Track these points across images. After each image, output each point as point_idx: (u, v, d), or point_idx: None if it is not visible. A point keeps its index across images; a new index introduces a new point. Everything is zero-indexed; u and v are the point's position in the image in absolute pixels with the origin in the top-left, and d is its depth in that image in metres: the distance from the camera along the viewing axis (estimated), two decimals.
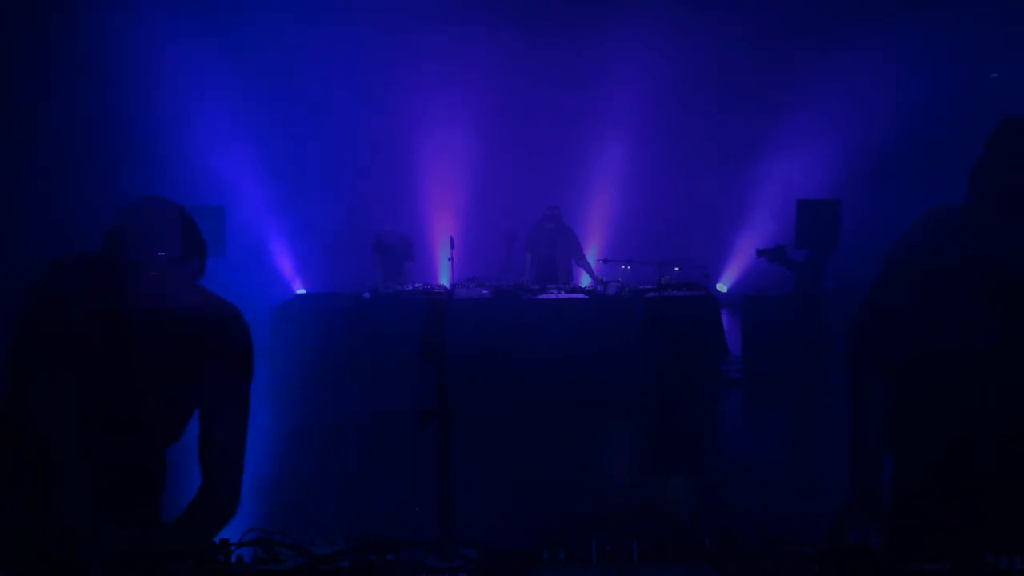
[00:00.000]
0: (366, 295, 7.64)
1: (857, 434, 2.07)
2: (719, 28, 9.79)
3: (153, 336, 1.86)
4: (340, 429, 6.24)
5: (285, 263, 10.30)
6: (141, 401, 1.87)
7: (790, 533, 1.68)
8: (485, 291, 7.70)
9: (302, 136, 9.94)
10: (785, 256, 7.90)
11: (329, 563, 1.66)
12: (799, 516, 2.01)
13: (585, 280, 8.54)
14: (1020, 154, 1.97)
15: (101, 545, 1.65)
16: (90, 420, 1.82)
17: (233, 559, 1.70)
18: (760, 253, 8.07)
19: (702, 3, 9.76)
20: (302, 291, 9.49)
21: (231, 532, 1.81)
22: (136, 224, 1.87)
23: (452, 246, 8.11)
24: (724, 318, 7.83)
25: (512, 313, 7.46)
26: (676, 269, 8.02)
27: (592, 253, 9.10)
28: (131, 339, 1.84)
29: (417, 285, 7.96)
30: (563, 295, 7.74)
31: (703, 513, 1.69)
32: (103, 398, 1.84)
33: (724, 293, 10.74)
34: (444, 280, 9.45)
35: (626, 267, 8.07)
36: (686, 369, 7.38)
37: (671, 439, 6.17)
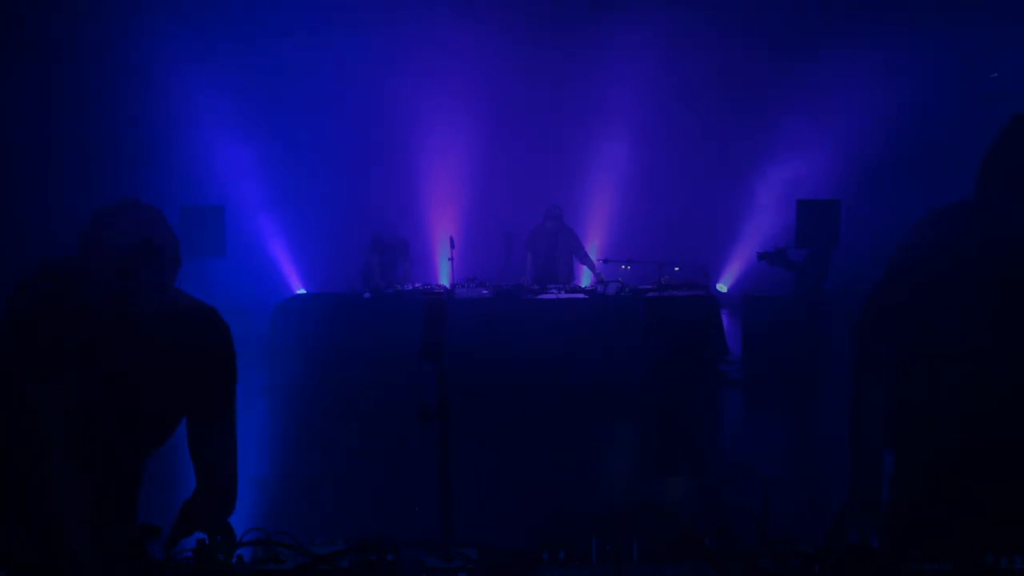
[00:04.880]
0: (366, 295, 7.64)
1: (857, 433, 2.06)
2: (720, 28, 9.79)
3: (133, 340, 1.84)
4: (340, 429, 6.23)
5: (285, 263, 10.30)
6: (125, 406, 1.84)
7: (790, 533, 1.68)
8: (485, 291, 7.69)
9: (302, 136, 9.94)
10: (785, 259, 7.88)
11: (329, 563, 1.66)
12: (799, 516, 2.01)
13: (587, 278, 8.54)
14: None
15: (93, 547, 1.65)
16: (74, 425, 1.78)
17: (233, 559, 1.71)
18: (761, 257, 8.06)
19: (703, 3, 9.76)
20: (302, 291, 9.49)
21: None
22: (113, 227, 1.83)
23: (452, 246, 8.09)
24: (724, 318, 7.83)
25: (512, 313, 7.45)
26: (676, 269, 8.02)
27: (592, 253, 9.09)
28: (111, 344, 1.81)
29: (417, 285, 7.95)
30: (563, 295, 7.73)
31: (703, 513, 1.70)
32: (86, 403, 1.80)
33: (724, 293, 10.73)
34: (444, 280, 9.44)
35: (626, 267, 8.06)
36: (686, 369, 7.38)
37: (671, 439, 6.16)
